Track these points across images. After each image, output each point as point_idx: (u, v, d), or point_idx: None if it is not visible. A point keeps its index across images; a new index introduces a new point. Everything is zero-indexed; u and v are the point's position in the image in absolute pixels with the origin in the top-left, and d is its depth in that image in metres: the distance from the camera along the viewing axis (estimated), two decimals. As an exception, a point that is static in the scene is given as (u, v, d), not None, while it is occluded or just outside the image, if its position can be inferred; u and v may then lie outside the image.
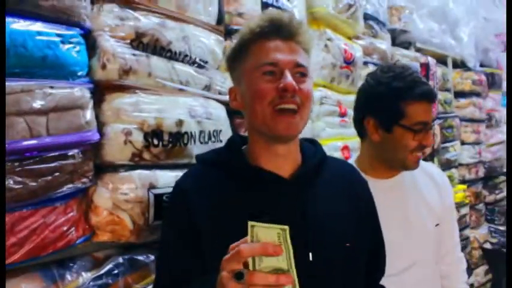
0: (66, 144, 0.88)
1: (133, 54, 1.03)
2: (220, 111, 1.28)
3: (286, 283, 0.61)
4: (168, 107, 1.09)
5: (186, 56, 1.18)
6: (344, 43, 1.89)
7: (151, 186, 1.04)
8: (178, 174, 1.09)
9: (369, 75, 1.26)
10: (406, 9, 2.56)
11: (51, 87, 0.86)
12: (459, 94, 3.27)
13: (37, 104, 0.83)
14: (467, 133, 3.26)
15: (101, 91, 0.99)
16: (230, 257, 0.63)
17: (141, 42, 1.06)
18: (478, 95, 3.38)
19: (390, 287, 1.14)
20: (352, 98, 1.98)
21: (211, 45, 1.26)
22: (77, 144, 0.90)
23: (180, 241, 0.87)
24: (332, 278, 0.87)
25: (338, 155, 1.76)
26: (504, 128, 3.78)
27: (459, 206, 2.78)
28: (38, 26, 0.85)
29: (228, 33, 1.38)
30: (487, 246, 3.26)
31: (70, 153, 0.90)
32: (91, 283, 0.93)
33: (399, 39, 2.63)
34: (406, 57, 2.49)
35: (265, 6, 1.51)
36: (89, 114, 0.93)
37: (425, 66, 2.66)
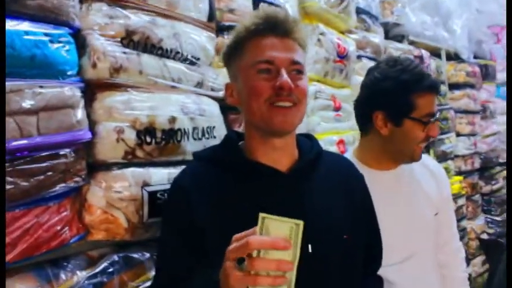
0: (57, 143, 0.88)
1: (124, 53, 1.03)
2: (214, 108, 1.27)
3: (288, 269, 0.61)
4: (160, 104, 1.08)
5: (178, 53, 1.17)
6: (337, 37, 1.89)
7: (145, 184, 1.04)
8: (172, 171, 1.09)
9: (373, 69, 1.25)
10: (398, 2, 2.56)
11: (41, 87, 0.85)
12: (453, 86, 3.29)
13: (27, 104, 0.82)
14: (462, 125, 3.28)
15: (92, 90, 0.99)
16: (237, 247, 0.63)
17: (132, 40, 1.05)
18: (472, 86, 3.38)
19: (391, 276, 1.16)
20: (346, 92, 2.00)
21: (202, 41, 1.26)
22: (68, 143, 0.90)
23: (179, 238, 0.87)
24: (330, 269, 0.87)
25: (334, 149, 1.76)
26: (499, 118, 3.79)
27: (456, 197, 2.80)
28: (25, 26, 0.85)
29: (219, 30, 1.38)
30: (484, 236, 3.28)
31: (62, 153, 0.89)
32: (86, 282, 0.92)
33: (392, 32, 2.62)
34: (399, 51, 2.48)
35: (256, 1, 1.50)
36: (80, 113, 0.93)
37: (419, 59, 2.66)
